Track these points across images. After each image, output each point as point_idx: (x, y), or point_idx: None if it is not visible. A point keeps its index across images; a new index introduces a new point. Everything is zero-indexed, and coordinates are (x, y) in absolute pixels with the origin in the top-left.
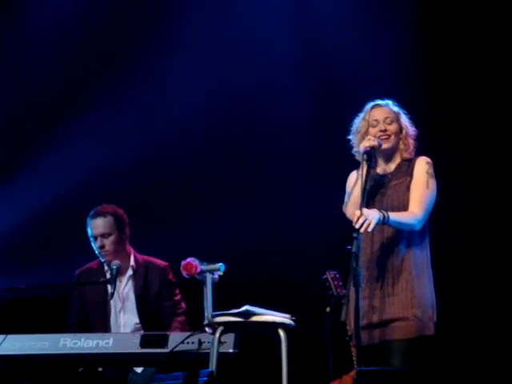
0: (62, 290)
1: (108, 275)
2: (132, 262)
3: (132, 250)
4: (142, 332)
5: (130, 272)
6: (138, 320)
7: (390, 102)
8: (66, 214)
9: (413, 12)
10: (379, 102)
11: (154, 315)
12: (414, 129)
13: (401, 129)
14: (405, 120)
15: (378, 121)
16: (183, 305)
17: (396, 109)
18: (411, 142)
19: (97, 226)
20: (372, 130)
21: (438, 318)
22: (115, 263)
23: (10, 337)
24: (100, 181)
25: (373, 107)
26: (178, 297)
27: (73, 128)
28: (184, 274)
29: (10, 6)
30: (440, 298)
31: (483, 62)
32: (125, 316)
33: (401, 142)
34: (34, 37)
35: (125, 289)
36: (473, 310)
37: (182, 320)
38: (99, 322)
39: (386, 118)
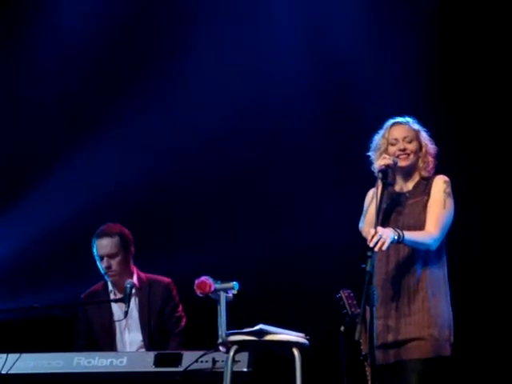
0: (74, 309)
1: (112, 296)
2: (135, 281)
3: (135, 269)
4: (144, 350)
5: (133, 290)
6: (142, 337)
7: (409, 120)
8: (77, 233)
9: (427, 25)
10: (399, 119)
11: (157, 332)
12: (434, 146)
13: (420, 147)
14: (425, 138)
15: (398, 139)
16: (182, 323)
17: (416, 127)
18: (431, 159)
19: (103, 246)
20: (391, 149)
21: (455, 339)
22: (129, 282)
23: (25, 355)
24: (112, 199)
25: (392, 125)
26: (179, 314)
27: (80, 147)
28: (198, 292)
29: (22, 21)
30: (457, 318)
31: (501, 76)
32: (130, 334)
33: (420, 160)
34: (43, 52)
35: (124, 307)
36: (491, 330)
37: (179, 341)
38: (106, 343)
39: (406, 137)
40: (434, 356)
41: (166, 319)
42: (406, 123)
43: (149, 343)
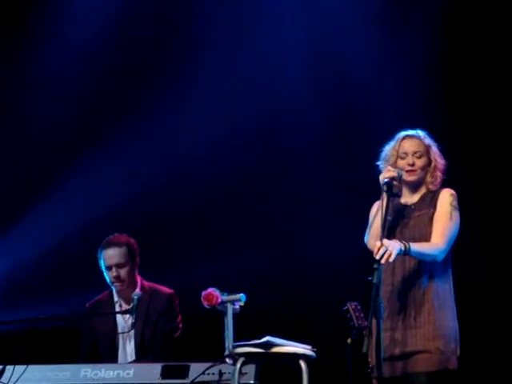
0: (80, 320)
1: (117, 306)
2: (138, 290)
3: (139, 279)
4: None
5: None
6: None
7: (421, 134)
8: (81, 244)
9: (435, 41)
10: (410, 132)
11: (150, 344)
12: (443, 162)
13: (429, 162)
14: (435, 153)
15: (407, 154)
16: (175, 335)
17: (427, 141)
18: (439, 174)
19: (111, 256)
20: (400, 162)
21: (462, 352)
22: (136, 293)
23: (31, 367)
24: (116, 209)
25: (404, 138)
26: (174, 325)
27: (86, 162)
28: (205, 304)
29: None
30: (463, 331)
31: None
32: (130, 345)
33: (428, 175)
34: (50, 70)
35: (130, 318)
36: (498, 342)
37: (155, 352)
38: (107, 353)
39: (416, 152)
40: (439, 369)
41: (160, 328)
42: (418, 137)
43: (138, 354)
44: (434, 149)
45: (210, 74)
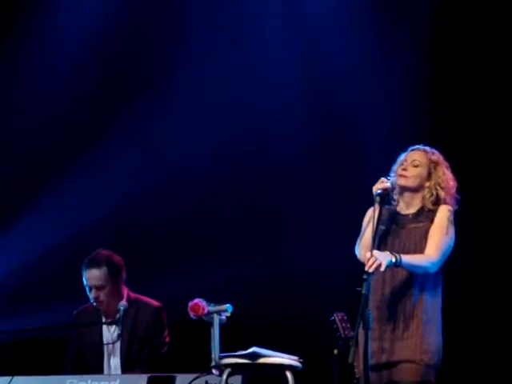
0: (66, 331)
1: (103, 317)
2: (124, 302)
3: (126, 291)
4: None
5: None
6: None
7: (428, 149)
8: (69, 254)
9: (424, 54)
10: (419, 146)
11: (136, 358)
12: (451, 184)
13: (429, 176)
14: (441, 171)
15: (406, 161)
16: (163, 350)
17: (433, 157)
18: (442, 194)
19: (91, 277)
20: (397, 168)
21: (443, 365)
22: (122, 304)
23: (17, 378)
24: (103, 220)
25: (411, 150)
26: (161, 340)
27: (70, 170)
28: (191, 314)
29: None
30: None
31: (498, 103)
32: (115, 359)
33: (426, 191)
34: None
35: (115, 331)
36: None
37: (142, 365)
38: (93, 364)
39: (414, 161)
40: (421, 380)
41: (148, 342)
42: (423, 150)
43: (123, 367)
44: (443, 168)
45: (199, 86)
